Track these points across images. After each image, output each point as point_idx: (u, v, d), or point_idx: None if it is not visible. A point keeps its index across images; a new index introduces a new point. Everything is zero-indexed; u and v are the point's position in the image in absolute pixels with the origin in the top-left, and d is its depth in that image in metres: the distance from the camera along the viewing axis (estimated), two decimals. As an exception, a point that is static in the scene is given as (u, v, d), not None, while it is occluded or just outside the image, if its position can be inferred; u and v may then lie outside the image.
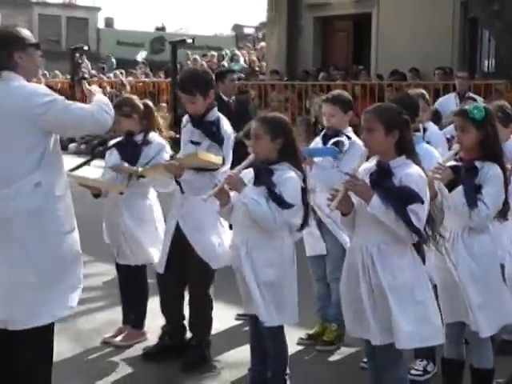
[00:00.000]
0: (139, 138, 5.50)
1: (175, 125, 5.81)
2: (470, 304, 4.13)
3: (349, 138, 5.32)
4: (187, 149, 5.10)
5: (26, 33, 4.00)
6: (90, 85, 4.48)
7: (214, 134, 5.01)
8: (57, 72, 23.91)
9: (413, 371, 4.87)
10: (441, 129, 6.60)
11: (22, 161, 3.79)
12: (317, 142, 5.53)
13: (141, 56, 22.84)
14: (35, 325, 3.81)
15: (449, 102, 10.11)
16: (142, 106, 5.59)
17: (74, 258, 4.00)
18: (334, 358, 5.42)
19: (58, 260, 3.89)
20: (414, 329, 3.85)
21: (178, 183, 5.04)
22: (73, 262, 3.99)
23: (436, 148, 5.19)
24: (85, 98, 4.90)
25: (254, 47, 23.17)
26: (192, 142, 5.07)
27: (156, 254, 5.43)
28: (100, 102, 4.06)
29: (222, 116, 5.13)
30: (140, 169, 5.29)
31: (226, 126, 5.09)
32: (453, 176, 4.10)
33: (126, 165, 5.38)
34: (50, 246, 3.86)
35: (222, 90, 8.28)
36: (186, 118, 5.24)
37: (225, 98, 8.23)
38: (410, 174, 3.82)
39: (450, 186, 4.11)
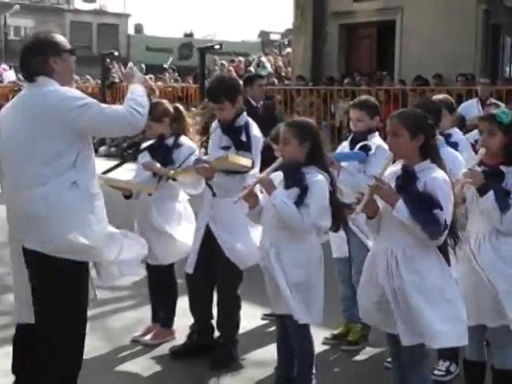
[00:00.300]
0: (170, 141, 5.58)
1: (203, 128, 5.89)
2: (501, 302, 4.16)
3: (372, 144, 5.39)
4: (216, 154, 5.16)
5: (61, 38, 4.08)
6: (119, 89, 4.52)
7: (240, 142, 5.10)
8: (88, 77, 24.18)
9: (436, 371, 4.91)
10: (464, 134, 6.64)
11: (57, 161, 3.86)
12: (344, 147, 5.61)
13: (168, 63, 23.01)
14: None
15: (471, 108, 10.14)
16: (172, 110, 5.67)
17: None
18: (358, 357, 5.46)
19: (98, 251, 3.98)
20: (449, 328, 3.91)
21: (210, 186, 5.15)
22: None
23: (461, 153, 5.25)
24: (114, 101, 5.02)
25: (279, 53, 23.22)
26: (222, 148, 5.16)
27: (187, 248, 5.47)
28: (135, 100, 4.02)
29: (251, 121, 5.22)
30: (171, 171, 5.36)
31: (255, 130, 5.19)
32: (484, 180, 4.14)
33: (158, 165, 5.45)
34: (90, 240, 3.91)
35: (251, 94, 8.36)
36: (215, 123, 5.33)
37: (253, 103, 8.33)
38: (434, 178, 3.88)
39: (482, 191, 4.15)
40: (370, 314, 4.21)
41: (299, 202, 4.31)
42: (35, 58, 3.98)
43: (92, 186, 3.99)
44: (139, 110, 3.98)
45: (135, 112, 3.96)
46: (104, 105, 4.05)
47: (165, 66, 22.26)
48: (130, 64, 4.34)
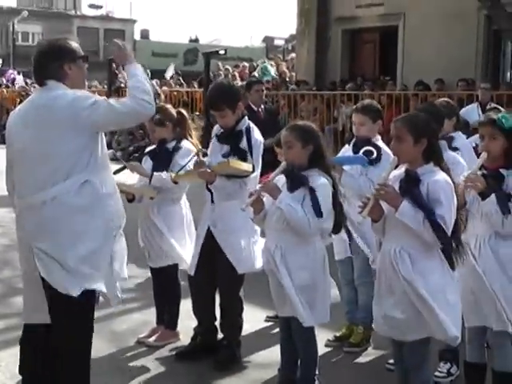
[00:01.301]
0: (171, 145, 5.64)
1: (207, 132, 5.95)
2: (501, 305, 4.21)
3: (377, 147, 5.45)
4: (217, 159, 5.21)
5: (75, 45, 4.14)
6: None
7: (238, 149, 5.13)
8: (96, 83, 24.26)
9: (437, 373, 4.93)
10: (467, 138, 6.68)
11: (70, 161, 3.91)
12: (346, 150, 5.65)
13: (169, 73, 23.07)
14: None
15: (472, 112, 10.19)
16: (175, 115, 5.72)
17: (119, 253, 4.11)
18: (360, 359, 5.49)
19: (103, 254, 4.00)
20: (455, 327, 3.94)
21: (210, 192, 5.20)
22: (116, 258, 4.09)
23: (463, 157, 5.29)
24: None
25: (283, 58, 23.27)
26: (223, 156, 5.20)
27: (185, 256, 5.54)
28: (139, 88, 3.95)
29: (252, 125, 5.26)
30: (173, 175, 5.41)
31: (256, 134, 5.23)
32: (485, 185, 4.17)
33: (165, 175, 5.46)
34: (97, 240, 3.97)
35: (250, 99, 8.51)
36: (216, 128, 5.38)
37: (254, 108, 8.45)
38: (437, 180, 3.92)
39: (483, 195, 4.19)
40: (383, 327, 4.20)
41: (305, 206, 4.35)
42: (51, 63, 4.03)
43: (105, 186, 4.02)
44: (146, 99, 3.95)
45: (142, 101, 3.94)
46: (111, 100, 4.06)
47: (166, 75, 22.37)
48: (119, 42, 4.20)
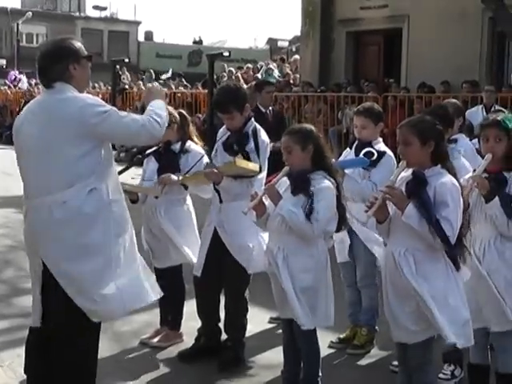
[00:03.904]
0: (177, 146, 5.64)
1: (212, 134, 5.96)
2: (505, 305, 4.22)
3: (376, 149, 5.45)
4: (222, 159, 5.23)
5: (79, 44, 4.12)
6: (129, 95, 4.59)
7: (244, 151, 5.15)
8: (101, 83, 24.31)
9: (441, 375, 4.94)
10: (470, 140, 6.68)
11: (75, 167, 3.90)
12: (348, 153, 5.67)
13: (165, 75, 23.16)
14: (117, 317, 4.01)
15: (476, 114, 10.18)
16: (178, 116, 5.71)
17: (126, 259, 4.10)
18: (364, 361, 5.49)
19: (108, 260, 4.00)
20: (454, 330, 3.94)
21: (218, 192, 5.22)
22: (121, 263, 4.07)
23: (465, 158, 5.29)
24: (124, 107, 5.06)
25: (287, 60, 23.28)
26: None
27: (193, 254, 5.54)
28: (154, 111, 4.08)
29: (258, 126, 5.27)
30: (181, 177, 5.42)
31: (262, 135, 5.25)
32: (489, 187, 4.18)
33: (174, 177, 5.47)
34: (103, 247, 3.98)
35: (260, 101, 8.50)
36: (222, 130, 5.39)
37: (262, 109, 8.45)
38: (444, 183, 3.92)
39: (487, 197, 4.19)
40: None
41: (309, 210, 4.35)
42: (55, 64, 4.02)
43: (111, 192, 4.02)
44: (158, 121, 4.03)
45: (154, 122, 4.02)
46: (124, 113, 4.10)
47: (161, 76, 22.53)
48: (154, 84, 4.46)
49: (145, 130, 4.00)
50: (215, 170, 5.07)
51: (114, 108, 4.10)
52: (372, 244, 5.44)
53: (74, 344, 3.99)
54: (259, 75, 19.56)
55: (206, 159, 5.51)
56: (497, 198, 4.17)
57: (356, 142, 5.61)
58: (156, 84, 4.59)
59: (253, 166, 5.01)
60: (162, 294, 4.31)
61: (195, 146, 5.68)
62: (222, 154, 5.30)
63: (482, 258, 4.29)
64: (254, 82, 11.74)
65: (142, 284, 4.16)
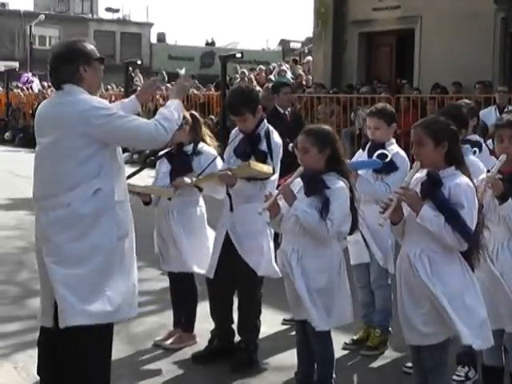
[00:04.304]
0: (189, 148, 5.63)
1: (224, 136, 5.97)
2: None
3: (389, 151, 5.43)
4: (235, 163, 5.23)
5: (91, 47, 4.13)
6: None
7: (259, 153, 5.15)
8: (113, 85, 24.38)
9: (455, 377, 4.91)
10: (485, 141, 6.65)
11: (81, 169, 3.92)
12: (361, 154, 5.66)
13: (181, 70, 23.30)
14: (73, 324, 3.90)
15: (489, 115, 10.14)
16: (189, 118, 5.71)
17: (127, 262, 4.12)
18: (377, 363, 5.47)
19: (109, 264, 4.01)
20: (472, 332, 3.92)
21: (229, 197, 5.21)
22: (124, 267, 4.10)
23: (479, 159, 5.27)
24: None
25: (300, 61, 23.28)
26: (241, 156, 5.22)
27: (197, 263, 5.53)
28: (164, 115, 4.09)
29: (271, 128, 5.28)
30: (194, 179, 5.41)
31: (275, 137, 5.24)
32: (503, 188, 4.16)
33: (187, 179, 5.47)
34: (105, 250, 3.99)
35: (277, 102, 8.51)
36: (234, 132, 5.39)
37: (280, 110, 8.46)
38: (458, 184, 3.90)
39: (501, 198, 4.18)
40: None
41: (323, 210, 4.34)
42: (65, 66, 4.04)
43: (117, 193, 4.03)
44: (165, 126, 4.04)
45: (160, 127, 4.03)
46: (132, 116, 4.10)
47: (180, 71, 22.56)
48: (181, 79, 4.55)
49: (150, 135, 4.02)
50: (229, 173, 5.07)
51: (122, 112, 4.10)
52: (375, 249, 5.44)
53: (74, 344, 4.01)
54: (272, 77, 19.56)
55: (219, 161, 5.51)
56: (510, 200, 4.15)
57: (369, 143, 5.60)
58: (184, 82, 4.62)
59: (267, 168, 5.01)
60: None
61: (208, 148, 5.67)
62: (234, 158, 5.31)
63: (495, 259, 4.27)
64: (269, 84, 11.76)
65: (134, 296, 4.19)
